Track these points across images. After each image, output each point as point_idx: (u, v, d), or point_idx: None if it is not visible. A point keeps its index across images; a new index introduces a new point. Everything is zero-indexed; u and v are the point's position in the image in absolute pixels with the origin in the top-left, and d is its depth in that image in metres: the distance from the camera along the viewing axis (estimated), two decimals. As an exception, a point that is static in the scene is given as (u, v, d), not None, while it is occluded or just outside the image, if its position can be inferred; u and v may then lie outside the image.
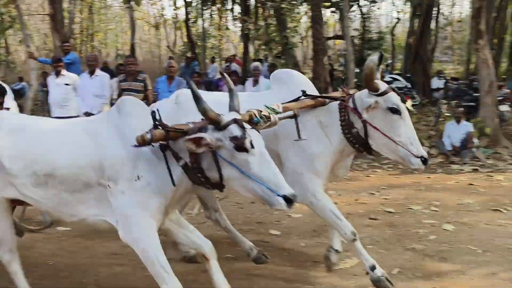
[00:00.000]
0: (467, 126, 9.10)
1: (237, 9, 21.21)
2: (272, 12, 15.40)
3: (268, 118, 3.00)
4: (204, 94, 4.03)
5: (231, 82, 2.96)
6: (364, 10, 17.15)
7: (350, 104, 3.55)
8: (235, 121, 2.66)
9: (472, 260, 4.35)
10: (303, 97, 3.60)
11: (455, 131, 9.14)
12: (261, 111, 2.96)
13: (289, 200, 2.55)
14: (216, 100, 3.59)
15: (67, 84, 7.08)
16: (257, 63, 9.31)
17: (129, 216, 2.86)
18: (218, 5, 22.21)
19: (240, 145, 2.59)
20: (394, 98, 3.44)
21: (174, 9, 25.81)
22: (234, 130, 2.63)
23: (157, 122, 2.74)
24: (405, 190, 7.04)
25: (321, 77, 12.08)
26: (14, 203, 3.36)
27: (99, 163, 2.89)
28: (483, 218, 5.60)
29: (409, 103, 11.18)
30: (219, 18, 24.96)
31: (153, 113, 2.77)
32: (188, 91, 4.02)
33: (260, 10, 19.00)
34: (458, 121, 9.10)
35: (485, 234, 5.03)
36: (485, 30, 9.45)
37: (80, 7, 25.19)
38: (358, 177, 7.99)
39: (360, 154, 4.19)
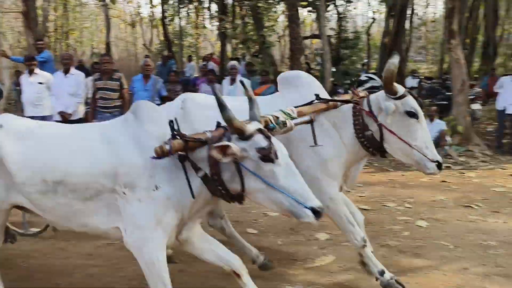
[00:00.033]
0: (440, 125, 9.27)
1: (214, 7, 21.16)
2: (249, 11, 15.40)
3: (284, 124, 2.95)
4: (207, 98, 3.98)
5: (251, 91, 2.81)
6: (340, 10, 17.25)
7: (365, 107, 3.51)
8: (260, 131, 2.59)
9: (444, 256, 4.45)
10: (316, 101, 3.52)
11: (428, 129, 9.29)
12: (277, 117, 2.90)
13: (317, 212, 2.47)
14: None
15: (40, 83, 6.98)
16: (234, 62, 9.33)
17: (141, 226, 2.75)
18: (195, 3, 22.11)
19: (266, 156, 2.50)
20: (412, 102, 3.40)
21: (151, 7, 25.55)
22: (260, 140, 2.54)
23: (175, 132, 2.64)
24: (380, 188, 7.15)
25: (298, 76, 12.13)
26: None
27: (113, 169, 2.77)
28: (455, 214, 5.73)
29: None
30: (196, 17, 24.83)
31: (171, 122, 2.66)
32: (195, 96, 3.99)
33: (237, 9, 18.99)
34: (431, 120, 9.26)
35: (457, 230, 5.16)
36: (457, 30, 9.64)
37: (54, 5, 24.78)
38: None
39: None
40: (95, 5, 27.39)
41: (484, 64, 18.49)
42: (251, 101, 2.76)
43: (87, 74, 8.31)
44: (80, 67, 11.72)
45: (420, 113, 3.41)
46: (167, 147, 2.59)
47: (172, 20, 23.18)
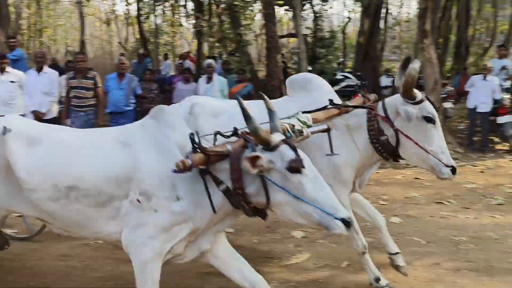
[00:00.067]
0: (413, 123, 9.39)
1: (191, 5, 21.05)
2: (225, 9, 15.37)
3: (301, 132, 2.89)
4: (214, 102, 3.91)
5: (270, 103, 2.72)
6: (316, 9, 17.39)
7: (381, 112, 3.47)
8: (285, 142, 2.53)
9: (416, 251, 4.54)
10: (329, 106, 3.47)
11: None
12: (293, 126, 2.84)
13: (347, 223, 2.40)
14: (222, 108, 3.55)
15: (12, 82, 6.83)
16: (210, 60, 9.30)
17: (150, 236, 2.67)
18: (171, 1, 21.97)
19: (294, 167, 2.43)
20: (429, 107, 3.37)
21: (126, 5, 25.36)
22: (286, 150, 2.47)
23: (196, 145, 2.55)
24: (355, 185, 7.24)
25: (275, 75, 12.18)
26: None
27: (129, 175, 2.69)
28: (427, 210, 5.85)
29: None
30: (172, 14, 24.68)
31: (191, 135, 2.57)
32: (203, 101, 3.91)
33: (214, 7, 18.93)
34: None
35: (429, 226, 5.27)
36: (430, 30, 9.81)
37: (27, 2, 24.32)
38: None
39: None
40: (69, 3, 27.02)
41: (457, 64, 18.89)
42: (271, 112, 2.68)
43: (61, 73, 8.19)
44: (54, 65, 11.52)
45: (437, 118, 3.39)
46: (188, 161, 2.49)
47: (147, 18, 22.99)
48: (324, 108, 3.43)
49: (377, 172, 8.04)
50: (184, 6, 22.19)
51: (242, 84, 9.22)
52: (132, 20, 26.09)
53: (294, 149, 2.49)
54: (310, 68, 13.93)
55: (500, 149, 9.40)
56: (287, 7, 16.66)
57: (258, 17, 19.59)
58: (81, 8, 20.99)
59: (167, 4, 22.58)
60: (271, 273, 4.11)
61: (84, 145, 2.89)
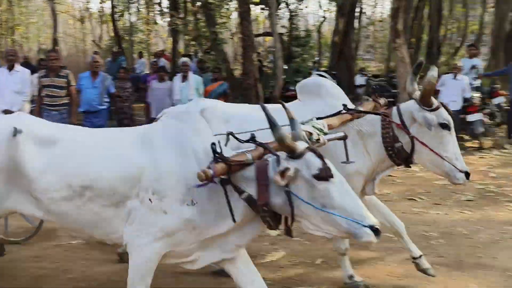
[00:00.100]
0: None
1: (165, 3, 20.92)
2: (201, 7, 15.31)
3: (318, 140, 2.84)
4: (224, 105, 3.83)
5: (290, 111, 2.64)
6: (292, 8, 17.46)
7: (395, 119, 3.45)
8: (310, 149, 2.48)
9: (389, 247, 4.61)
10: (343, 111, 3.44)
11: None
12: (310, 133, 2.80)
13: (376, 230, 2.34)
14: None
15: (-18, 80, 6.69)
16: (185, 59, 9.27)
17: (155, 238, 2.64)
18: (146, -1, 21.80)
19: (322, 175, 2.38)
20: (445, 114, 3.38)
21: (100, 2, 24.98)
22: (313, 158, 2.42)
23: (217, 155, 2.49)
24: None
25: (250, 73, 12.19)
26: None
27: (144, 174, 2.64)
28: (400, 207, 5.94)
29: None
30: (147, 12, 24.48)
31: (213, 145, 2.52)
32: (213, 105, 3.77)
33: (189, 5, 18.84)
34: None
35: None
36: (402, 30, 9.98)
37: (-3, -2, 23.78)
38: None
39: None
40: (42, 0, 26.46)
41: (429, 63, 19.14)
42: (292, 120, 2.62)
43: (33, 71, 8.04)
44: (26, 63, 11.32)
45: (452, 124, 3.40)
46: (210, 171, 2.44)
47: (122, 15, 22.75)
48: (338, 113, 3.39)
49: (352, 170, 8.16)
50: (159, 3, 22.06)
51: (217, 82, 9.20)
52: (106, 18, 25.78)
53: (320, 156, 2.44)
54: (285, 67, 13.99)
55: (470, 147, 9.62)
56: (263, 6, 16.67)
57: (234, 15, 19.60)
58: (53, 5, 20.59)
59: (141, 1, 22.42)
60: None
61: (101, 144, 2.84)
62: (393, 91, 11.94)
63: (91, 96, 7.53)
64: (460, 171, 3.37)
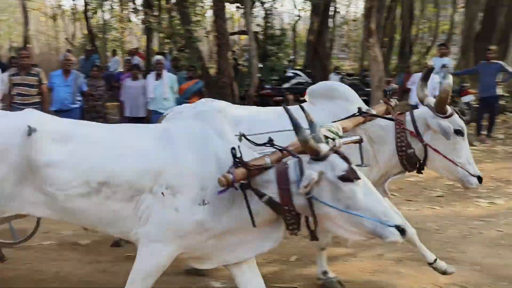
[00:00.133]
0: (359, 119, 9.65)
1: (139, 0, 20.70)
2: (175, 4, 15.22)
3: (334, 144, 2.81)
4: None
5: (310, 115, 2.63)
6: (267, 6, 17.49)
7: (409, 126, 3.45)
8: (334, 151, 2.48)
9: (362, 244, 4.66)
10: (356, 114, 3.44)
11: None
12: (327, 137, 2.79)
13: (401, 230, 2.33)
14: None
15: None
16: (159, 57, 9.18)
17: (168, 242, 2.62)
18: (119, -4, 21.54)
19: (348, 177, 2.36)
20: (458, 120, 3.40)
21: (73, 0, 24.60)
22: (337, 160, 2.42)
23: (238, 159, 2.48)
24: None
25: (225, 71, 12.19)
26: None
27: (162, 169, 2.61)
28: (373, 204, 6.04)
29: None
30: (121, 10, 24.18)
31: (233, 149, 2.50)
32: (223, 106, 3.69)
33: (163, 2, 18.71)
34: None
35: (374, 219, 5.44)
36: (375, 29, 10.10)
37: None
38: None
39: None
40: (12, -4, 25.90)
41: (401, 62, 19.53)
42: (311, 123, 2.61)
43: (4, 69, 7.86)
44: (-5, 61, 11.06)
45: (465, 130, 3.43)
46: (230, 177, 2.43)
47: (95, 13, 22.43)
48: (351, 116, 3.40)
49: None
50: (133, 1, 21.78)
51: (192, 81, 9.17)
52: (79, 16, 25.35)
53: (344, 158, 2.44)
54: (261, 65, 14.04)
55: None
56: (238, 4, 16.67)
57: (209, 13, 19.53)
58: (24, 2, 20.15)
59: (115, -1, 22.12)
60: (220, 270, 4.09)
61: (120, 140, 2.80)
62: (366, 89, 12.11)
63: (63, 94, 7.43)
64: (473, 175, 3.39)
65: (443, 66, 9.83)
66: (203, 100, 4.06)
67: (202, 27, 18.44)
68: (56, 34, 30.17)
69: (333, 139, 2.75)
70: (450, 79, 3.38)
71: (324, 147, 2.47)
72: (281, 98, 12.42)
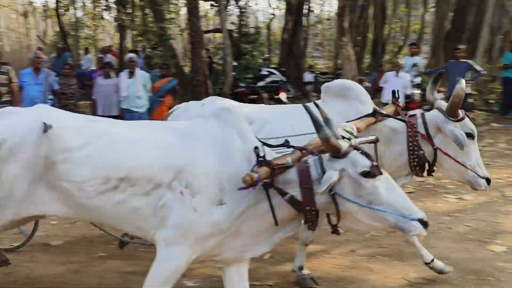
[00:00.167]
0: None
1: (112, -3, 20.43)
2: (148, 2, 15.09)
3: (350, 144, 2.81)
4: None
5: (326, 112, 2.61)
6: (241, 4, 17.47)
7: (421, 129, 3.48)
8: (355, 148, 2.48)
9: (335, 240, 4.73)
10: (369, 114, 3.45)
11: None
12: (343, 137, 2.76)
13: (424, 223, 2.36)
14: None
15: None
16: (132, 54, 9.10)
17: (187, 246, 2.59)
18: (92, -7, 21.22)
19: (371, 173, 2.37)
20: (469, 123, 3.43)
21: (44, -4, 24.13)
22: (358, 157, 2.43)
23: (261, 159, 2.48)
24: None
25: (199, 70, 12.15)
26: None
27: (182, 165, 2.58)
28: (345, 201, 6.11)
29: (283, 95, 11.86)
30: (93, 7, 23.83)
31: (256, 149, 2.52)
32: (234, 106, 3.68)
33: (137, 0, 18.51)
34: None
35: (346, 216, 5.52)
36: (348, 28, 10.23)
37: None
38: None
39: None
40: (-20, -7, 25.23)
41: (374, 61, 19.81)
42: (328, 121, 2.60)
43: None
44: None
45: (476, 133, 3.45)
46: (255, 176, 2.42)
47: (67, 10, 22.04)
48: (363, 116, 3.41)
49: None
50: (106, -2, 21.50)
51: (166, 79, 9.10)
52: (50, 13, 24.86)
53: (365, 154, 2.46)
54: (235, 64, 14.03)
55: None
56: (212, 2, 16.61)
57: (184, 11, 19.43)
58: (-8, -2, 19.70)
59: (87, -4, 21.78)
60: (194, 269, 4.11)
61: (139, 136, 2.75)
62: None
63: (33, 93, 7.30)
64: (482, 177, 3.43)
65: (414, 65, 10.03)
66: (210, 98, 4.05)
67: (176, 25, 18.32)
68: (27, 31, 29.55)
69: (349, 139, 2.73)
70: (462, 83, 3.35)
71: (344, 144, 2.48)
72: (255, 96, 12.43)
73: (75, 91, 8.72)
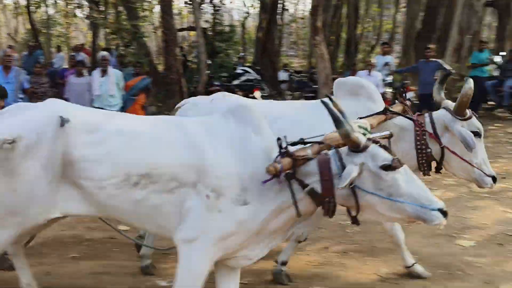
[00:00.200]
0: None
1: (84, -5, 20.12)
2: None
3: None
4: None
5: (341, 107, 2.59)
6: (216, 2, 17.41)
7: (428, 128, 3.52)
8: (373, 141, 2.50)
9: (309, 237, 4.77)
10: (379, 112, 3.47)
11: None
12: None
13: (444, 213, 2.40)
14: None
15: None
16: (105, 53, 9.00)
17: (211, 244, 2.57)
18: (63, -10, 20.85)
19: (392, 165, 2.40)
20: (476, 122, 3.46)
21: (14, -7, 23.60)
22: (377, 150, 2.45)
23: (284, 150, 2.50)
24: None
25: (173, 68, 12.08)
26: None
27: (204, 166, 2.56)
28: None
29: (258, 94, 11.87)
30: (65, 4, 23.42)
31: (279, 140, 2.53)
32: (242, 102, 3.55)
33: (109, -3, 18.27)
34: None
35: (320, 212, 5.57)
36: (321, 28, 10.31)
37: None
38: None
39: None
40: None
41: (347, 60, 20.03)
42: (343, 114, 2.59)
43: None
44: None
45: (482, 131, 3.50)
46: (279, 166, 2.44)
47: (38, 7, 21.60)
48: (375, 114, 3.44)
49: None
50: (78, -5, 21.16)
51: (139, 77, 9.03)
52: (22, 10, 24.34)
53: (384, 147, 2.49)
54: (209, 62, 13.99)
55: (383, 139, 10.16)
56: (186, 0, 16.53)
57: (158, 8, 19.25)
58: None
59: (59, -7, 21.39)
60: (167, 268, 4.11)
61: (158, 132, 2.69)
62: (314, 86, 12.34)
63: (2, 92, 7.13)
64: (488, 175, 3.47)
65: (386, 64, 10.18)
66: (219, 93, 4.04)
67: (150, 23, 18.17)
68: (-3, 29, 28.91)
69: (364, 135, 2.73)
70: (470, 83, 3.39)
71: (363, 139, 2.49)
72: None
73: (47, 89, 8.56)
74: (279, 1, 19.17)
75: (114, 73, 8.19)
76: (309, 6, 24.93)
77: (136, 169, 2.56)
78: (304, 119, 3.36)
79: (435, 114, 3.60)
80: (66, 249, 4.48)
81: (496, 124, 10.96)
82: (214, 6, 16.76)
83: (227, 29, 16.92)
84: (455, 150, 3.46)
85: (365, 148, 2.45)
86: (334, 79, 12.30)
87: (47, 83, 8.74)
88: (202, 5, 16.56)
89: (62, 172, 2.57)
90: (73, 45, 17.72)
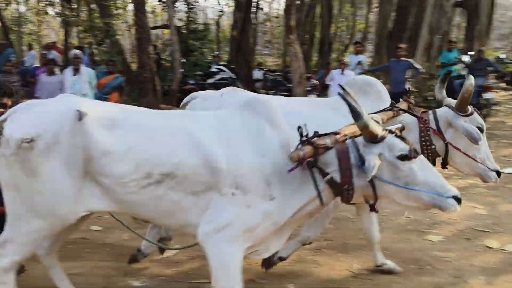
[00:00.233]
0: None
1: (56, -8, 19.74)
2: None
3: None
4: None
5: (355, 99, 2.62)
6: (190, 0, 17.31)
7: (432, 125, 3.58)
8: (390, 131, 2.55)
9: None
10: (388, 108, 3.53)
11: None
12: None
13: (458, 200, 2.48)
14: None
15: None
16: (77, 51, 8.91)
17: (236, 236, 2.58)
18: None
19: (409, 155, 2.47)
20: (478, 118, 3.53)
21: (-18, -10, 22.96)
22: (394, 141, 2.51)
23: (305, 138, 2.53)
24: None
25: (146, 66, 11.97)
26: None
27: (227, 164, 2.56)
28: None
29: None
30: (37, 2, 22.96)
31: (299, 128, 2.55)
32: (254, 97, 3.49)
33: (82, -6, 17.98)
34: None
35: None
36: (295, 27, 10.37)
37: None
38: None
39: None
40: None
41: (321, 59, 20.19)
42: (359, 106, 2.63)
43: None
44: None
45: (484, 127, 3.56)
46: (301, 153, 2.47)
47: (8, 4, 21.12)
48: (383, 110, 3.50)
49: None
50: (49, -8, 20.74)
51: (111, 75, 8.95)
52: (-10, 7, 23.76)
53: (401, 137, 2.55)
54: (184, 60, 13.92)
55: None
56: (161, -2, 16.42)
57: (131, 6, 19.04)
58: None
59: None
60: (141, 269, 4.09)
61: (179, 129, 2.66)
62: (288, 85, 12.40)
63: (-30, 91, 6.97)
64: (492, 170, 3.54)
65: (359, 63, 10.31)
66: (229, 88, 4.02)
67: (123, 21, 17.96)
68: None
69: None
70: (471, 79, 3.46)
71: (380, 129, 2.55)
72: (205, 93, 12.36)
73: (18, 88, 8.40)
74: (253, 0, 19.20)
75: (87, 72, 8.10)
76: (283, 5, 25.08)
77: (158, 168, 2.54)
78: (314, 113, 3.40)
79: (438, 111, 3.70)
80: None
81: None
82: (188, 4, 16.66)
83: (201, 27, 16.84)
84: (458, 146, 3.54)
85: (382, 138, 2.52)
86: (308, 77, 12.49)
87: (18, 81, 8.59)
88: (176, 3, 16.45)
89: (85, 167, 2.51)
90: (45, 43, 17.41)
